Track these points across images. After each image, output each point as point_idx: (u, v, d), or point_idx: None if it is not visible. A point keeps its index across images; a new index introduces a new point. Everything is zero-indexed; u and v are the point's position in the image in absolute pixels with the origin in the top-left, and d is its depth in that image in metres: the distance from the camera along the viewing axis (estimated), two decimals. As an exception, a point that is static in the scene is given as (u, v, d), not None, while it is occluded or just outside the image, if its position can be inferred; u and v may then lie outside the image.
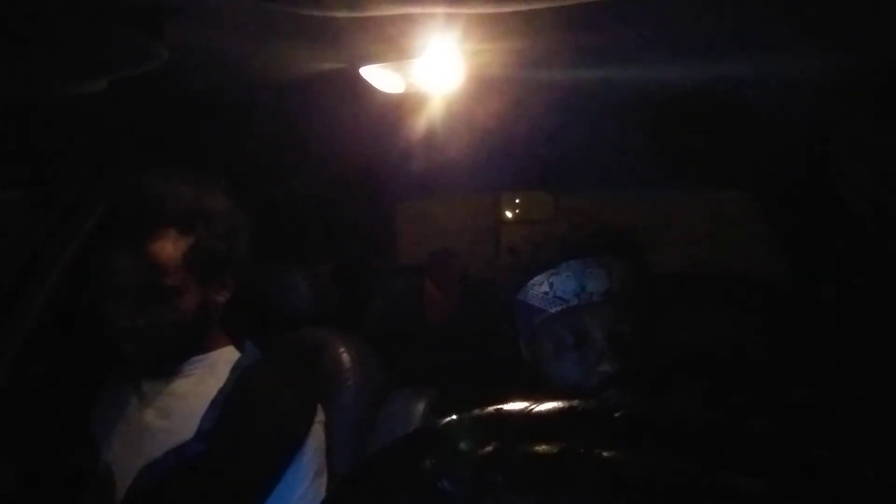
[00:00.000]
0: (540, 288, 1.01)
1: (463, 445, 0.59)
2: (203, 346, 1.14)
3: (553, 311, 0.99)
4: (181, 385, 1.11)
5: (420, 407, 1.26)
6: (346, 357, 1.31)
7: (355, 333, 1.41)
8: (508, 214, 4.82)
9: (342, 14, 0.81)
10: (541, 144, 1.62)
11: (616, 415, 0.56)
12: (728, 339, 1.49)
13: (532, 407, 0.60)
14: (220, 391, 1.08)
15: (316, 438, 1.12)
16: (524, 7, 0.78)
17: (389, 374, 1.40)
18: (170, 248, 1.06)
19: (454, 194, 3.31)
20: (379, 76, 1.11)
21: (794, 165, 1.59)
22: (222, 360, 1.14)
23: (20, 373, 1.16)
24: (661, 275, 1.15)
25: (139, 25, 0.83)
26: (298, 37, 0.95)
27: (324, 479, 1.14)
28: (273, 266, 1.44)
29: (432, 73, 1.11)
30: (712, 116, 1.37)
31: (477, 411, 0.63)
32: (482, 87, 1.17)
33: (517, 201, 4.79)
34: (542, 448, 0.54)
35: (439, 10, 0.80)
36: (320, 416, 1.15)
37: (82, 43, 0.86)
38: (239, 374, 1.11)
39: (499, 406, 0.63)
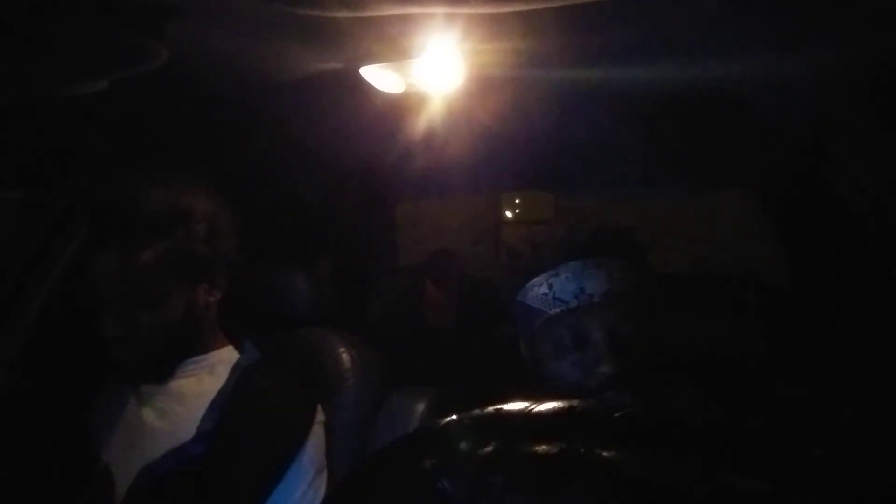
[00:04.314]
0: (539, 289, 1.01)
1: (463, 445, 0.59)
2: (201, 347, 1.13)
3: (552, 312, 0.99)
4: (180, 386, 1.11)
5: (420, 407, 1.26)
6: (346, 357, 1.31)
7: (355, 333, 1.41)
8: (508, 214, 4.82)
9: (342, 14, 0.81)
10: (541, 144, 1.62)
11: (616, 415, 0.56)
12: (728, 339, 1.49)
13: (532, 407, 0.60)
14: (220, 392, 1.08)
15: (316, 438, 1.12)
16: (524, 7, 0.78)
17: (389, 374, 1.40)
18: (148, 252, 1.04)
19: (454, 194, 3.31)
20: (379, 76, 1.11)
21: (793, 165, 1.59)
22: (221, 361, 1.14)
23: (19, 373, 1.16)
24: (661, 275, 1.15)
25: (139, 25, 0.83)
26: (298, 37, 0.95)
27: (324, 479, 1.13)
28: (273, 266, 1.44)
29: (432, 73, 1.11)
30: (712, 116, 1.37)
31: (477, 411, 0.63)
32: (482, 87, 1.17)
33: (517, 201, 4.79)
34: (542, 448, 0.54)
35: (439, 10, 0.80)
36: (320, 416, 1.15)
37: (82, 43, 0.86)
38: (238, 375, 1.11)
39: (499, 406, 0.63)
